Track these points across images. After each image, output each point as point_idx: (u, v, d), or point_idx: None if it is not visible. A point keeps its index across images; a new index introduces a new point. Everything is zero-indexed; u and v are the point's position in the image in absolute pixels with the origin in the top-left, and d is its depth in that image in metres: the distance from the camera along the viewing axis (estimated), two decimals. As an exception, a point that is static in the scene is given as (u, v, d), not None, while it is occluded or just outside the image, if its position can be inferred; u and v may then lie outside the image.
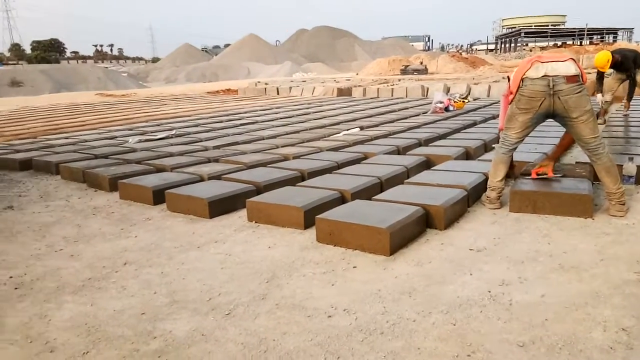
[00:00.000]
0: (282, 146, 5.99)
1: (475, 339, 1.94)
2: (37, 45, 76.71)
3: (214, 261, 2.87)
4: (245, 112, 10.87)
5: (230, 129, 7.91)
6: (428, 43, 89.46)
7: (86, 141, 7.09)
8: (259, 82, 23.88)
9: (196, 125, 8.57)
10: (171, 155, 5.67)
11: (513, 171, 3.90)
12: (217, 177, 4.43)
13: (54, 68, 35.46)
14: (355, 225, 2.93)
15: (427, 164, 4.86)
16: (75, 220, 3.77)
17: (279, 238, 3.20)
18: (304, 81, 23.55)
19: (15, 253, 3.13)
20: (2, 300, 2.46)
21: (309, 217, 3.31)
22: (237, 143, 6.44)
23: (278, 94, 17.59)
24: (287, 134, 7.17)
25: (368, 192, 3.82)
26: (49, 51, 73.16)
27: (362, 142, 6.13)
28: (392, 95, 14.48)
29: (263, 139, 6.75)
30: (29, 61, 58.94)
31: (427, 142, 6.00)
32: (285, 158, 5.23)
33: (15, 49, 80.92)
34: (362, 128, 7.51)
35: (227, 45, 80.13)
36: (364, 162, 4.89)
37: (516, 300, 2.24)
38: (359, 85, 17.01)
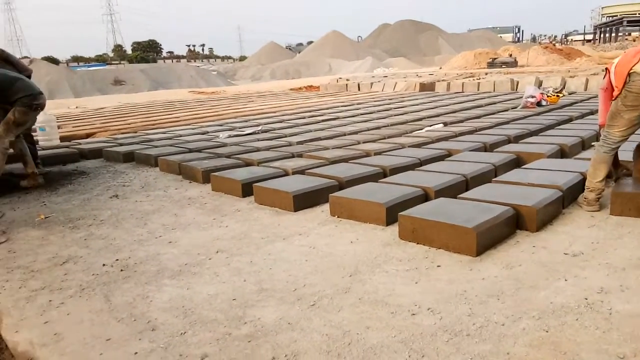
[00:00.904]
0: (364, 142, 6.00)
1: (571, 348, 1.84)
2: (137, 46, 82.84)
3: (299, 253, 2.97)
4: (327, 108, 11.00)
5: (312, 125, 8.05)
6: (518, 34, 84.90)
7: (181, 136, 7.57)
8: (340, 78, 24.02)
9: (281, 121, 8.82)
10: (258, 150, 5.90)
11: (617, 171, 3.62)
12: (301, 171, 4.55)
13: (152, 67, 38.15)
14: (439, 224, 2.88)
15: (517, 162, 4.64)
16: (173, 210, 4.06)
17: (361, 233, 3.23)
18: (385, 76, 23.31)
19: (121, 238, 3.44)
20: (110, 281, 2.72)
21: (390, 214, 3.31)
22: (319, 139, 6.55)
23: (359, 89, 17.57)
24: (368, 129, 7.17)
25: (453, 190, 3.73)
26: (147, 51, 78.72)
27: (445, 139, 5.98)
28: (478, 90, 13.92)
29: (345, 135, 6.80)
30: (130, 61, 63.80)
31: (517, 139, 5.72)
32: (367, 154, 5.24)
33: (118, 50, 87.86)
34: (445, 124, 7.30)
35: (309, 43, 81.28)
36: (448, 159, 4.77)
37: (617, 309, 2.09)
38: (443, 80, 16.54)
